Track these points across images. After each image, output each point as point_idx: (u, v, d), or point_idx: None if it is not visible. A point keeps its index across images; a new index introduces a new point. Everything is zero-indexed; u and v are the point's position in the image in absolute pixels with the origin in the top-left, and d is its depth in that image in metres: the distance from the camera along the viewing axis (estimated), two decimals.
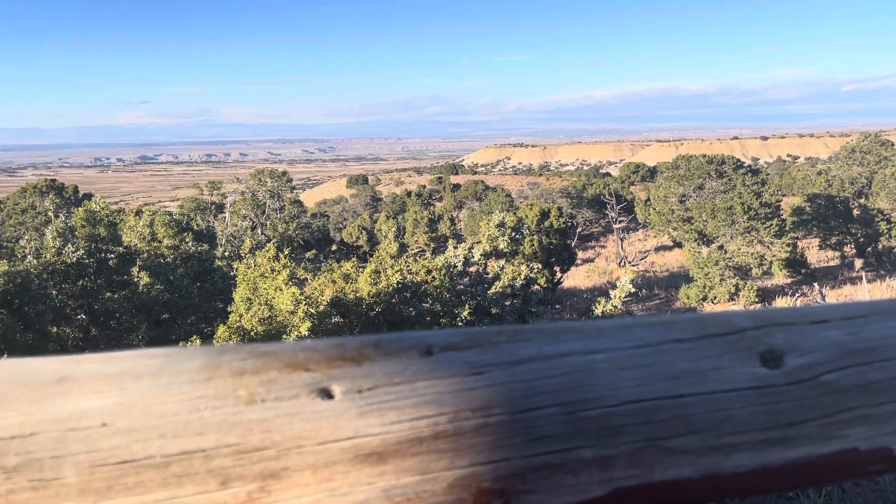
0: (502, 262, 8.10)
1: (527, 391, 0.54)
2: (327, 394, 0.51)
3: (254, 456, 0.48)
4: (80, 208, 7.82)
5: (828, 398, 0.57)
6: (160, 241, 8.46)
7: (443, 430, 0.51)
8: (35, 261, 6.78)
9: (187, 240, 8.58)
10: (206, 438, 0.48)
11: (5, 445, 0.46)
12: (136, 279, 7.86)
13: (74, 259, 6.94)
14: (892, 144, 28.11)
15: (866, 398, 0.58)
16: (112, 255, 7.64)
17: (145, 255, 8.22)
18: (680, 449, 0.54)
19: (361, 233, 30.25)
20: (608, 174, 72.03)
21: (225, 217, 23.25)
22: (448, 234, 30.78)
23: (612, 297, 7.88)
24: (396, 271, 6.50)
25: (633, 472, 0.53)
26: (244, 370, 0.51)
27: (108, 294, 7.32)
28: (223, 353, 0.53)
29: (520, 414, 0.53)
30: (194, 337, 5.99)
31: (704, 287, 20.94)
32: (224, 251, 15.83)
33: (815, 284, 21.03)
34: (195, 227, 10.78)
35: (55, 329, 6.87)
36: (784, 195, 31.81)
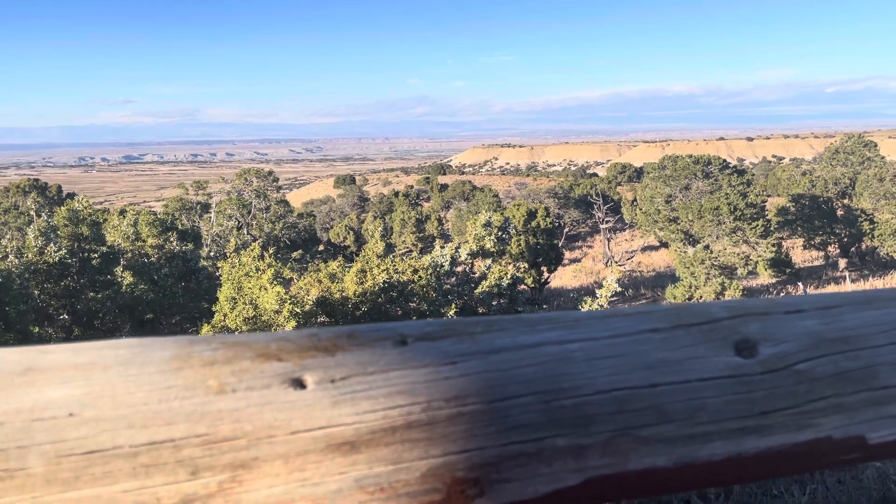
0: (489, 261, 8.10)
1: (502, 380, 0.54)
2: (300, 384, 0.51)
3: (224, 446, 0.47)
4: (62, 207, 7.74)
5: (801, 387, 0.58)
6: (144, 241, 8.38)
7: (416, 420, 0.51)
8: (17, 260, 6.70)
9: (172, 239, 8.50)
10: (176, 428, 0.47)
11: None
12: (119, 279, 7.79)
13: (57, 258, 6.86)
14: (875, 145, 28.45)
15: (840, 387, 0.59)
16: (95, 255, 7.56)
17: (129, 254, 8.14)
18: (654, 438, 0.54)
19: (349, 233, 30.18)
20: (595, 174, 72.34)
21: (210, 217, 23.11)
22: (436, 235, 30.78)
23: (598, 296, 7.91)
24: (383, 270, 6.49)
25: (608, 461, 0.53)
26: (215, 360, 0.51)
27: (92, 294, 7.24)
28: (194, 343, 0.53)
29: (495, 403, 0.52)
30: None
31: (690, 287, 21.08)
32: (209, 251, 15.73)
33: (800, 284, 21.23)
34: (180, 227, 10.71)
35: (37, 329, 6.79)
36: (769, 195, 32.08)
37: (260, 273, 5.79)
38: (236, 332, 5.84)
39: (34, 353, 0.50)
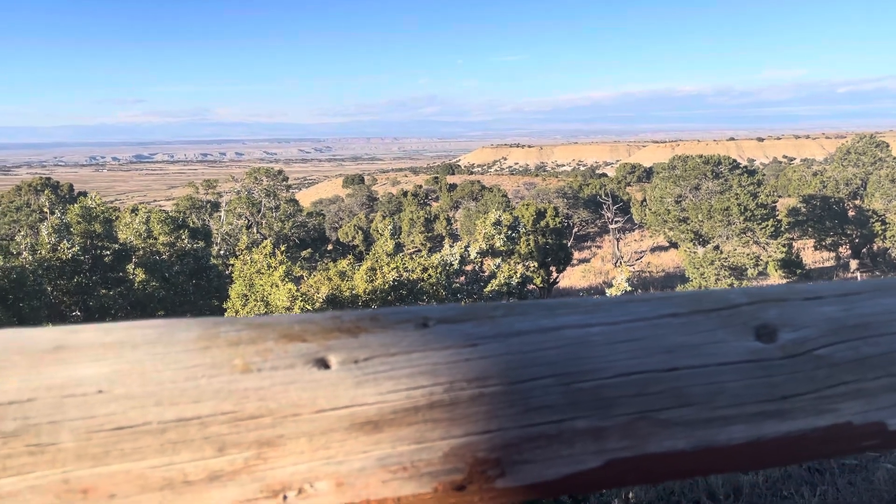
0: (498, 260, 8.10)
1: (523, 363, 0.54)
2: (324, 364, 0.51)
3: (250, 423, 0.48)
4: (75, 204, 7.78)
5: (821, 372, 0.58)
6: (156, 239, 8.43)
7: (438, 400, 0.51)
8: (30, 257, 6.75)
9: (183, 237, 8.55)
10: (203, 406, 0.48)
11: (3, 410, 0.46)
12: (131, 276, 7.84)
13: (70, 255, 6.90)
14: (887, 146, 28.22)
15: (860, 373, 0.59)
16: (107, 252, 7.61)
17: (141, 252, 8.19)
18: (674, 421, 0.55)
19: (357, 232, 30.25)
20: (604, 175, 72.14)
21: (220, 215, 23.21)
22: (444, 234, 30.80)
23: (608, 295, 7.88)
24: (393, 269, 6.50)
25: (627, 444, 0.54)
26: (240, 340, 0.52)
27: (104, 290, 7.29)
28: (220, 324, 0.53)
29: (516, 385, 0.53)
30: None
31: (700, 287, 20.99)
32: (220, 249, 15.80)
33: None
34: (191, 225, 10.78)
35: (50, 326, 6.80)
36: (780, 196, 31.89)
37: (271, 270, 5.81)
38: None
39: (65, 333, 0.51)
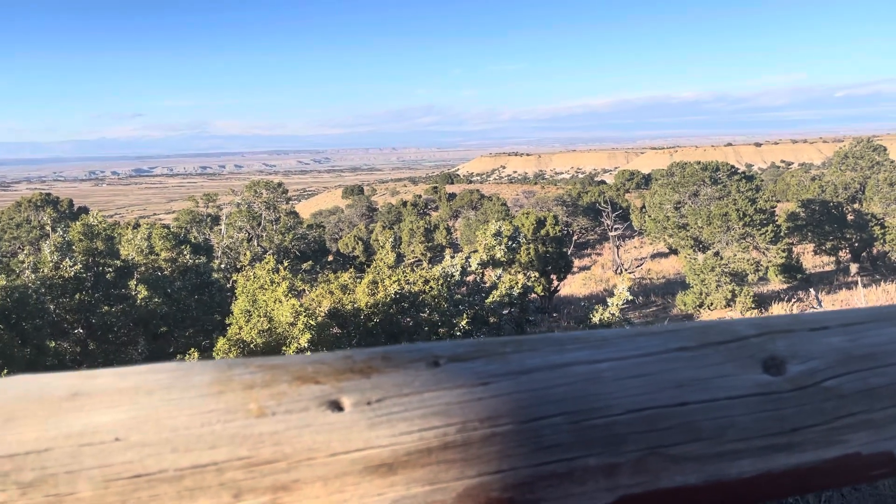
0: (499, 270, 8.11)
1: (533, 401, 0.54)
2: (337, 406, 0.52)
3: (265, 468, 0.49)
4: (77, 222, 7.80)
5: (830, 404, 0.58)
6: (158, 254, 8.44)
7: (451, 441, 0.52)
8: (33, 275, 6.76)
9: (185, 252, 8.56)
10: (218, 452, 0.48)
11: (21, 461, 0.46)
12: (133, 292, 7.85)
13: (72, 273, 6.91)
14: (885, 149, 28.27)
15: (868, 403, 0.59)
16: (110, 269, 7.62)
17: (143, 268, 8.20)
18: (684, 456, 0.55)
19: (358, 243, 30.25)
20: (603, 182, 72.23)
21: (221, 229, 23.23)
22: (444, 244, 30.79)
23: (609, 304, 7.89)
24: (394, 282, 6.50)
25: (639, 480, 0.54)
26: (254, 383, 0.52)
27: (106, 308, 7.29)
28: (233, 367, 0.54)
29: (527, 423, 0.53)
30: (192, 350, 5.98)
31: (701, 294, 20.97)
32: (220, 263, 15.80)
33: (811, 290, 21.07)
34: (192, 240, 10.77)
35: (53, 344, 6.84)
36: (779, 201, 31.92)
37: (275, 286, 5.82)
38: (251, 345, 5.87)
39: (82, 379, 0.51)
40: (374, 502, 0.50)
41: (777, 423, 0.57)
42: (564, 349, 0.58)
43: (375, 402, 0.52)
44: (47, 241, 7.24)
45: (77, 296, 7.02)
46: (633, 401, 0.56)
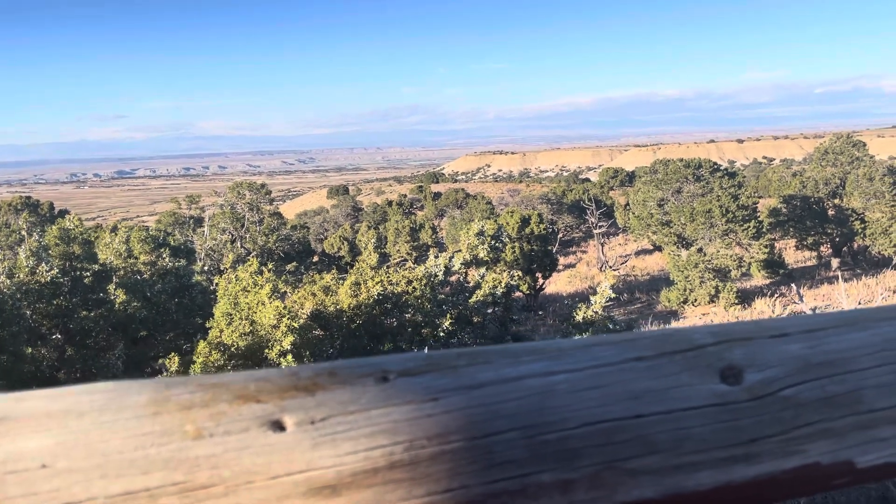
0: (483, 270, 8.10)
1: (485, 416, 0.53)
2: (279, 426, 0.50)
3: (201, 493, 0.47)
4: (53, 226, 7.69)
5: (788, 413, 0.57)
6: (136, 258, 8.34)
7: (398, 460, 0.50)
8: (8, 281, 6.66)
9: (164, 255, 8.47)
10: (152, 477, 0.46)
11: None
12: (112, 297, 7.75)
13: (49, 278, 6.81)
14: (864, 145, 28.62)
15: (826, 412, 0.58)
16: (87, 273, 7.52)
17: (121, 272, 8.10)
18: (641, 470, 0.54)
19: (343, 243, 30.15)
20: (587, 180, 72.57)
21: (204, 231, 23.06)
22: (430, 243, 30.78)
23: (593, 302, 7.91)
24: (377, 283, 6.47)
25: (595, 495, 0.53)
26: (192, 403, 0.50)
27: (84, 313, 7.19)
28: (171, 386, 0.52)
29: (478, 440, 0.52)
30: (172, 354, 5.92)
31: (685, 290, 21.12)
32: (203, 265, 15.67)
33: (793, 285, 21.29)
34: (172, 243, 10.66)
35: (30, 350, 6.74)
36: (760, 197, 32.23)
37: (258, 288, 5.77)
38: (232, 348, 5.82)
39: (9, 402, 0.49)
40: None
41: (735, 434, 0.56)
42: (519, 361, 0.57)
43: (319, 420, 0.50)
44: (23, 246, 7.14)
45: (54, 301, 6.93)
46: (588, 413, 0.54)
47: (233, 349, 5.91)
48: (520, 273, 19.99)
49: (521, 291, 21.11)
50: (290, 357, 5.50)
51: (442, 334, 6.60)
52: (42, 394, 0.51)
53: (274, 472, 0.48)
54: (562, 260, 30.70)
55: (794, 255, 28.11)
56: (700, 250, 21.94)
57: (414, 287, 6.60)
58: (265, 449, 0.48)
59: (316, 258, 27.88)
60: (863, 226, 25.06)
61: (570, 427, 0.54)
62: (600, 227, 30.62)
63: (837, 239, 26.19)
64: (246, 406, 0.50)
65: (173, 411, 0.49)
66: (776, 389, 0.58)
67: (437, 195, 49.87)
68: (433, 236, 31.92)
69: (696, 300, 20.77)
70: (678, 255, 22.63)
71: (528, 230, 23.08)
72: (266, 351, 5.96)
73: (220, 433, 0.49)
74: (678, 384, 0.57)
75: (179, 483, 0.46)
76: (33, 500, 0.45)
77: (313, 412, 0.51)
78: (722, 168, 26.76)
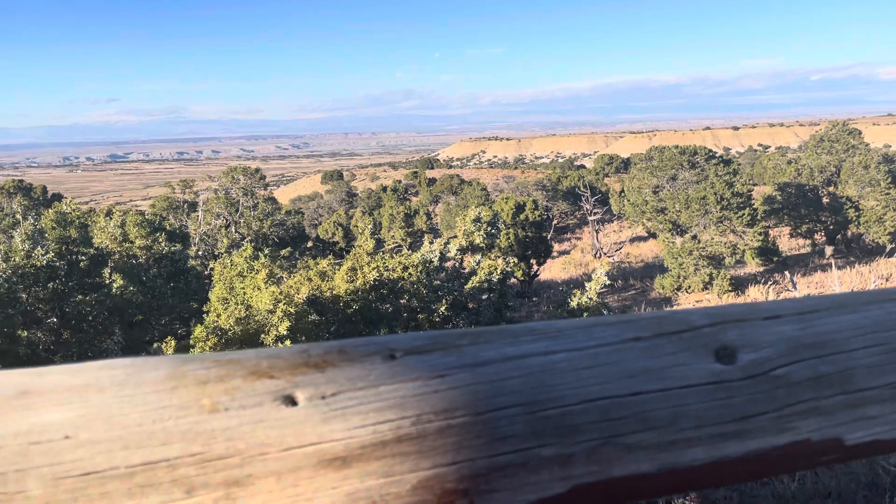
0: (478, 256, 8.12)
1: (489, 392, 0.55)
2: (291, 401, 0.52)
3: (218, 464, 0.49)
4: (49, 210, 7.67)
5: (780, 392, 0.59)
6: (132, 242, 8.33)
7: (406, 434, 0.52)
8: (3, 264, 6.64)
9: (160, 240, 8.46)
10: (171, 448, 0.48)
11: None
12: (108, 281, 7.74)
13: (44, 262, 6.80)
14: (860, 133, 28.64)
15: (817, 391, 0.60)
16: (83, 257, 7.51)
17: (117, 256, 8.09)
18: (638, 445, 0.56)
19: (337, 229, 30.11)
20: (583, 166, 72.52)
21: (198, 216, 22.99)
22: (424, 229, 30.77)
23: (587, 289, 7.95)
24: (373, 269, 6.49)
25: (593, 469, 0.55)
26: (208, 379, 0.52)
27: (80, 297, 7.19)
28: (187, 362, 0.54)
29: (482, 415, 0.54)
30: (168, 338, 5.92)
31: (679, 277, 21.20)
32: (198, 250, 15.64)
33: (787, 272, 21.39)
34: (167, 227, 10.65)
35: (25, 333, 6.74)
36: (755, 184, 32.28)
37: (254, 273, 5.78)
38: (229, 332, 5.83)
39: (31, 376, 0.50)
40: (328, 495, 0.50)
41: (728, 412, 0.58)
42: (520, 341, 0.59)
43: (330, 396, 0.52)
44: (18, 230, 7.12)
45: (50, 285, 6.92)
46: (587, 391, 0.56)
47: (229, 333, 5.93)
48: (515, 259, 20.02)
49: (516, 278, 21.16)
50: (287, 342, 5.54)
51: (437, 320, 6.63)
52: (62, 369, 0.52)
53: (287, 444, 0.50)
54: (557, 246, 30.76)
55: (788, 243, 28.23)
56: (694, 237, 22.00)
57: (410, 273, 6.62)
58: (278, 422, 0.50)
59: (310, 244, 27.85)
60: (857, 214, 25.15)
61: (569, 403, 0.56)
62: (595, 213, 30.65)
63: (832, 227, 26.29)
64: (259, 381, 0.52)
65: (190, 386, 0.51)
66: (769, 369, 0.60)
67: (431, 181, 49.77)
68: (428, 222, 31.90)
69: (689, 287, 20.86)
70: (672, 242, 22.70)
71: (522, 217, 23.09)
72: (262, 336, 5.98)
73: (236, 407, 0.50)
74: (674, 363, 0.59)
75: (197, 454, 0.48)
76: (58, 470, 0.47)
77: (324, 388, 0.52)
78: (717, 155, 26.76)
